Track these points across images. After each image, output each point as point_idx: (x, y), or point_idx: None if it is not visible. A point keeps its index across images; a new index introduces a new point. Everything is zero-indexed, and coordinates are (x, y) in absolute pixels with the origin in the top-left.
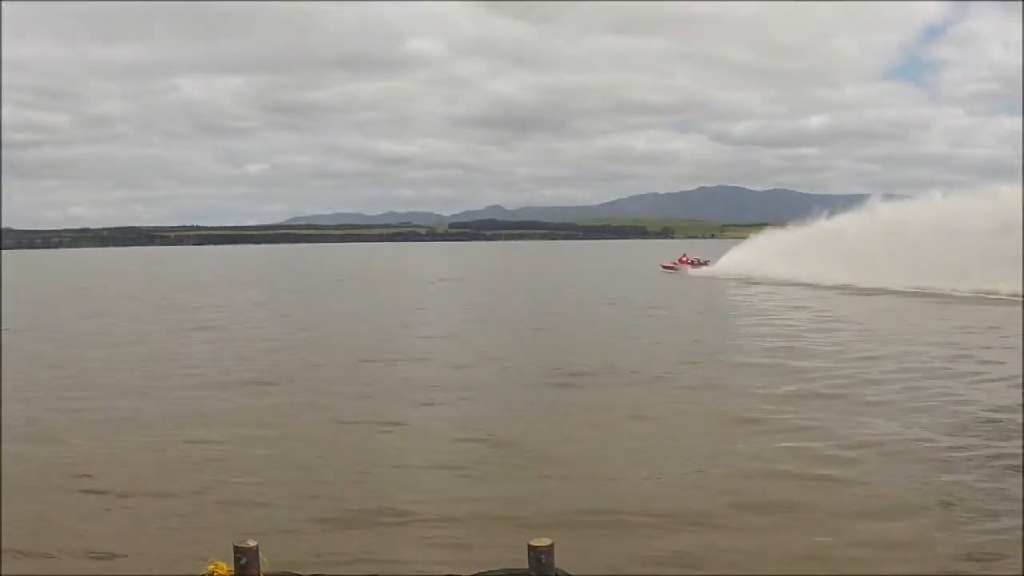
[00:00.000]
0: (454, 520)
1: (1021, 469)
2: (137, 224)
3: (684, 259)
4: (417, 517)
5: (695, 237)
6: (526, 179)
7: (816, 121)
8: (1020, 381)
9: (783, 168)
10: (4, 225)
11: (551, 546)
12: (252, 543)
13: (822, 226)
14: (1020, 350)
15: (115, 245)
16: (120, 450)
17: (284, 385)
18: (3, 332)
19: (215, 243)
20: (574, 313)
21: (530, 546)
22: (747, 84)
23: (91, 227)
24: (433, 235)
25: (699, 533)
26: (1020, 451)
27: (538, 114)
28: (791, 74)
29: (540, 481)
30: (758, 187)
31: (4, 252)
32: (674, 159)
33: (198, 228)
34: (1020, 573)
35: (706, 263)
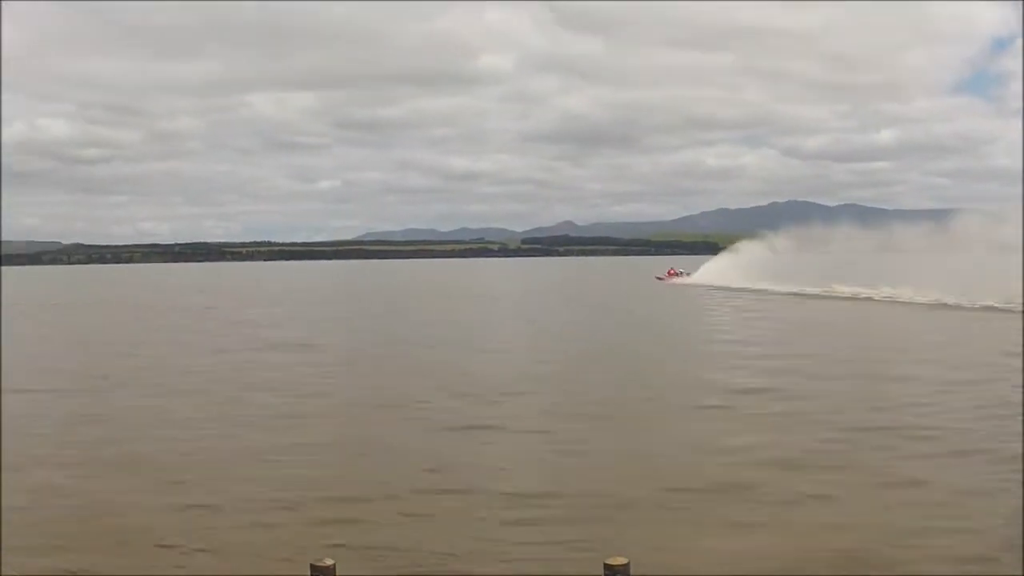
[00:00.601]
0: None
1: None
2: (207, 239)
3: (672, 271)
4: None
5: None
6: (597, 195)
7: (886, 135)
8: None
9: (854, 183)
10: (74, 240)
11: (627, 565)
12: (329, 561)
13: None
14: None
15: (185, 260)
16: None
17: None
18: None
19: (286, 259)
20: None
21: (606, 565)
22: (816, 98)
23: (161, 242)
24: (505, 251)
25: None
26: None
27: (609, 129)
28: (861, 87)
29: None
30: (829, 202)
31: (77, 267)
32: (745, 174)
33: (269, 244)
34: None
35: (689, 275)
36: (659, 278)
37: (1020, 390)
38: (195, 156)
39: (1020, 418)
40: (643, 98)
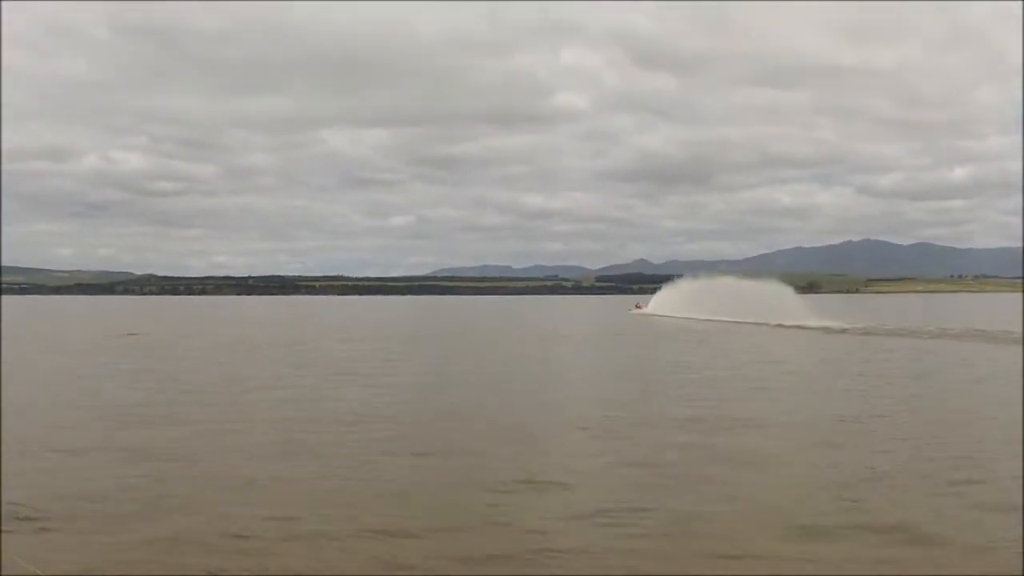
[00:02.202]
0: None
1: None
2: (281, 273)
3: (639, 305)
4: None
5: (840, 292)
6: (672, 232)
7: (960, 173)
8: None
9: (928, 221)
10: (148, 271)
11: None
12: None
13: (697, 284)
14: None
15: (259, 293)
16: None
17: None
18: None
19: (360, 294)
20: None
21: None
22: (890, 136)
23: (234, 275)
24: (579, 288)
25: None
26: None
27: (683, 167)
28: (934, 125)
29: None
30: (903, 241)
31: (153, 297)
32: (819, 212)
33: (342, 278)
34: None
35: (643, 307)
36: (632, 309)
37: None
38: (269, 191)
39: None
40: (718, 136)
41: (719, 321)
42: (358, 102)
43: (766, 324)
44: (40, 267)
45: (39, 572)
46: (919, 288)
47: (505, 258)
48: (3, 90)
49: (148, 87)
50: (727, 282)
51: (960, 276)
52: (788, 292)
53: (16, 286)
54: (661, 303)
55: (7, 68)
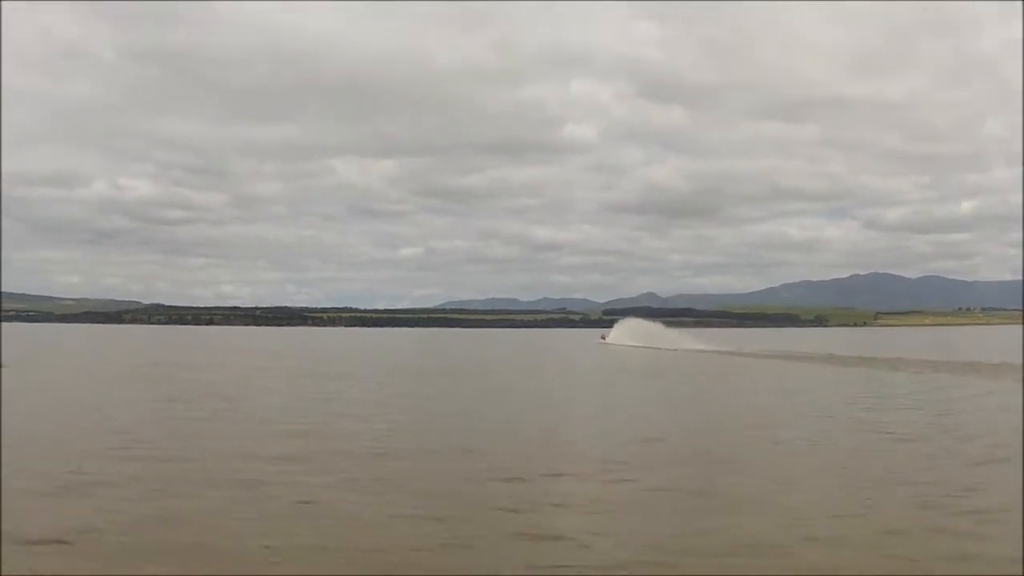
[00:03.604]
0: None
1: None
2: (289, 304)
3: (603, 337)
4: None
5: (847, 325)
6: (679, 266)
7: (966, 206)
8: None
9: (935, 254)
10: (155, 300)
11: None
12: None
13: (630, 323)
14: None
15: (266, 324)
16: None
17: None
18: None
19: (367, 325)
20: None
21: None
22: (898, 169)
23: (242, 305)
24: (587, 322)
25: None
26: None
27: (691, 201)
28: (942, 158)
29: None
30: (911, 274)
31: (159, 327)
32: (827, 246)
33: (351, 310)
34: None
35: (604, 337)
36: (600, 340)
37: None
38: (278, 220)
39: None
40: (726, 169)
41: (642, 347)
42: (367, 131)
43: (661, 348)
44: (46, 294)
45: None
46: (928, 321)
47: (512, 290)
48: (11, 113)
49: (157, 111)
50: (640, 322)
51: (968, 309)
52: (667, 331)
53: (22, 313)
54: (615, 336)
55: (15, 90)
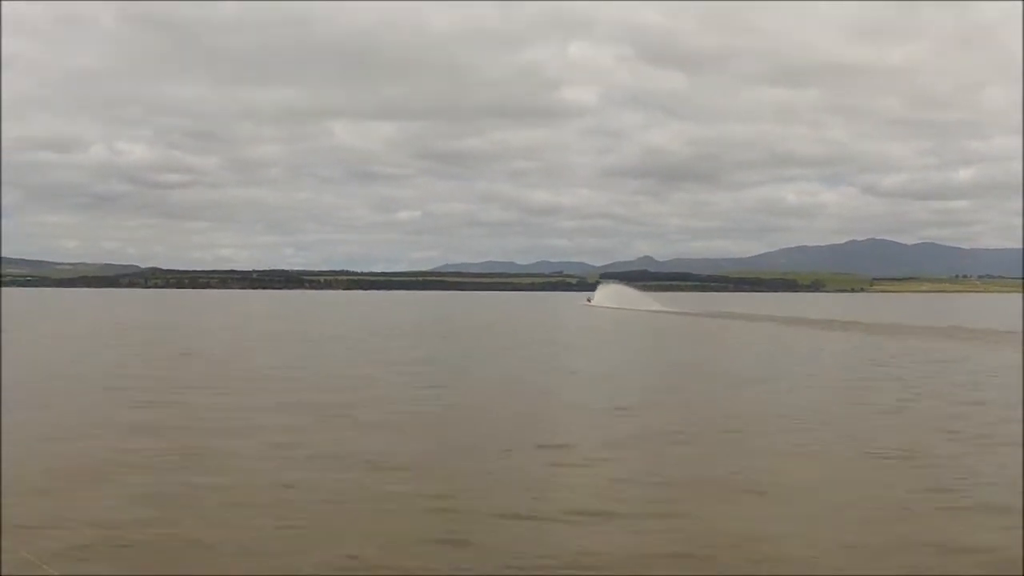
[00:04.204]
0: None
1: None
2: (286, 267)
3: (589, 299)
4: None
5: (844, 291)
6: (677, 230)
7: (965, 174)
8: None
9: (933, 221)
10: (153, 264)
11: None
12: None
13: (609, 288)
14: None
15: (263, 287)
16: None
17: None
18: None
19: (364, 288)
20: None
21: None
22: (898, 136)
23: (239, 268)
24: (584, 285)
25: None
26: None
27: (690, 165)
28: (942, 125)
29: None
30: (908, 240)
31: (155, 291)
32: (824, 212)
33: (348, 273)
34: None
35: (590, 300)
36: (587, 303)
37: None
38: (276, 183)
39: None
40: (725, 134)
41: (618, 308)
42: (366, 95)
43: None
44: (44, 259)
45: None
46: (924, 288)
47: (510, 254)
48: (10, 80)
49: (155, 77)
50: (619, 287)
51: (965, 276)
52: (642, 295)
53: (20, 278)
54: (598, 300)
55: (14, 57)
